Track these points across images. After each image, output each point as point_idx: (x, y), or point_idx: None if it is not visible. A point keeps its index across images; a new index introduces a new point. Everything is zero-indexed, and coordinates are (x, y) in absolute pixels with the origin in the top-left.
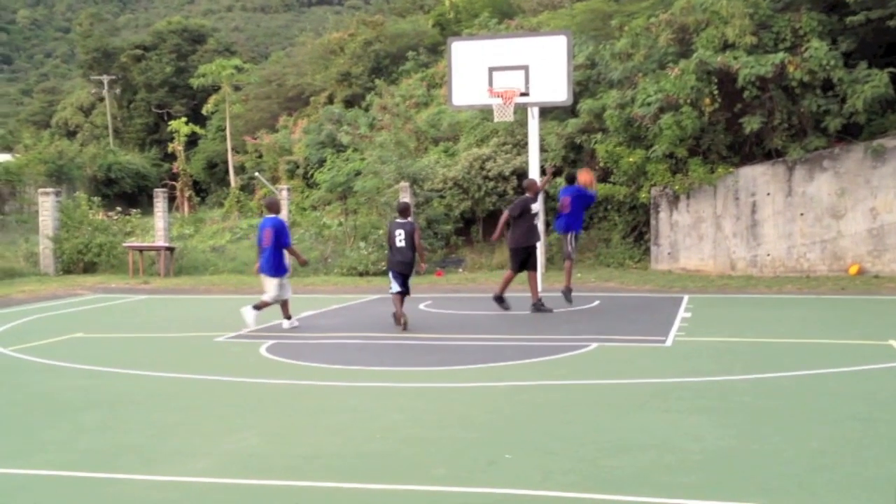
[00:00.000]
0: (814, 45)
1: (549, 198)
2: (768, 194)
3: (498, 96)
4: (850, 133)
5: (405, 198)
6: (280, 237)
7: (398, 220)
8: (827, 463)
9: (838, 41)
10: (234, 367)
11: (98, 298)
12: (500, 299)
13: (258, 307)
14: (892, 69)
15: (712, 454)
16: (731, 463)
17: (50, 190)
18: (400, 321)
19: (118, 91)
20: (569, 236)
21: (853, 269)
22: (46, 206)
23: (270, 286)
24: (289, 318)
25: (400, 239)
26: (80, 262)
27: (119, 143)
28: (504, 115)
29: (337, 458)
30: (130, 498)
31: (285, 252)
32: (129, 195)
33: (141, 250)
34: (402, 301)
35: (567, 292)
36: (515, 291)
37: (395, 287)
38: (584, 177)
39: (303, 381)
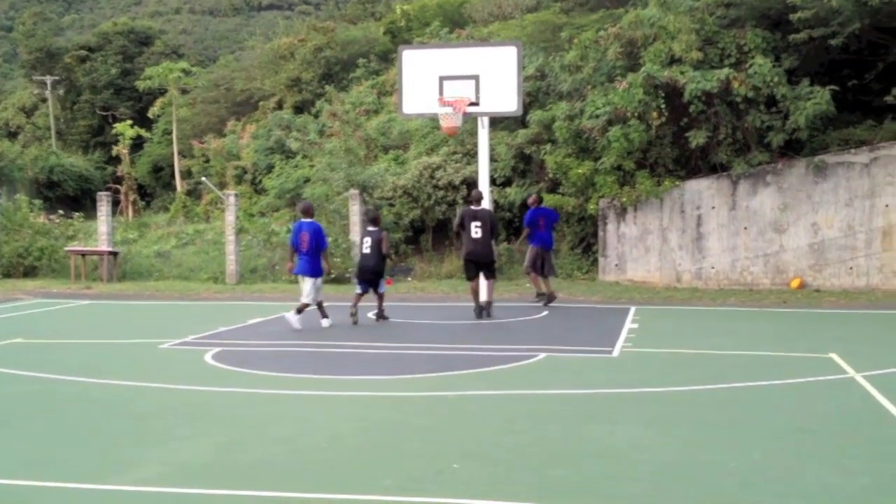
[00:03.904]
0: (758, 62)
1: (498, 208)
2: (713, 208)
3: (448, 105)
4: (793, 149)
5: (355, 205)
6: (319, 241)
7: (368, 229)
8: (768, 473)
9: (782, 58)
10: (180, 374)
11: (39, 303)
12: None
13: (300, 311)
14: (833, 86)
15: (657, 464)
16: (675, 473)
17: None
18: (350, 315)
19: (61, 92)
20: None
21: (795, 283)
22: None
23: (309, 287)
24: (326, 317)
25: (367, 246)
26: (21, 266)
27: (62, 144)
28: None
29: (284, 467)
30: None
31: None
32: (72, 198)
33: (83, 255)
34: (358, 299)
35: (551, 298)
36: (466, 301)
37: (358, 289)
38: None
39: (249, 389)
